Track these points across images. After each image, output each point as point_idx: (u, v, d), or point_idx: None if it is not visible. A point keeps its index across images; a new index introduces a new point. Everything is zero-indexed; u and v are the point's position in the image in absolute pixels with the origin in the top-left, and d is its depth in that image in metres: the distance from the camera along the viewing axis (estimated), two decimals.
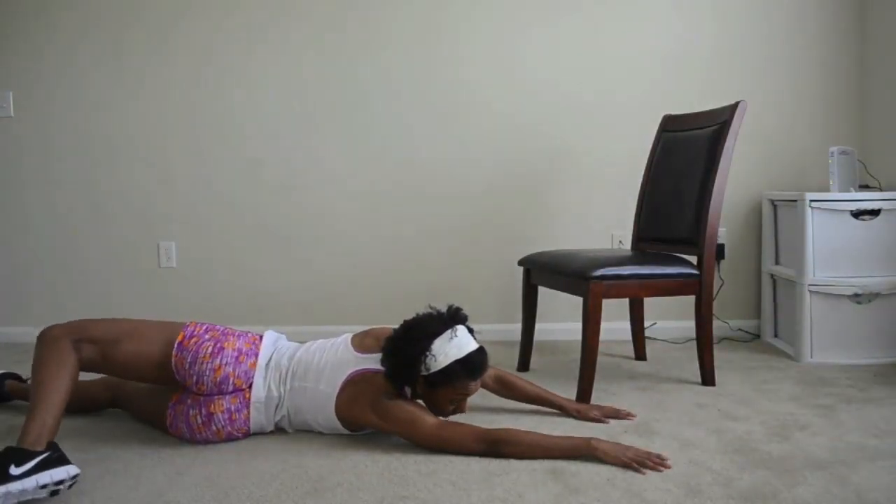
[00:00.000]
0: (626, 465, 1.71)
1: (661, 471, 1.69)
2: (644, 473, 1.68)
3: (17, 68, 3.28)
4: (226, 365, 1.84)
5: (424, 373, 1.81)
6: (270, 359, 1.95)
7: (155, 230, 3.31)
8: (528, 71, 3.23)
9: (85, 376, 2.17)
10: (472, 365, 1.82)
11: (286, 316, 3.29)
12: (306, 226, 3.29)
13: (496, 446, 1.76)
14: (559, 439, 1.79)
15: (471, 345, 1.84)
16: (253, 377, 1.88)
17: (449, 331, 1.82)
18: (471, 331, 1.89)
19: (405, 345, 1.82)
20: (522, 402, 2.15)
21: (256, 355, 1.91)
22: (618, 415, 2.10)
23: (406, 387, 1.87)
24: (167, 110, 3.28)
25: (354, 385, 1.87)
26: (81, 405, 2.14)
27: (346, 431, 1.94)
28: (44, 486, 1.53)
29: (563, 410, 2.12)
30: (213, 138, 3.28)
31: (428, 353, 1.80)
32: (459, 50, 3.23)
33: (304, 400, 1.91)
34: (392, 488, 1.62)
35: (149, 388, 2.03)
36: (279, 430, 1.99)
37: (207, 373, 1.82)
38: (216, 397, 1.85)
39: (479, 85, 3.23)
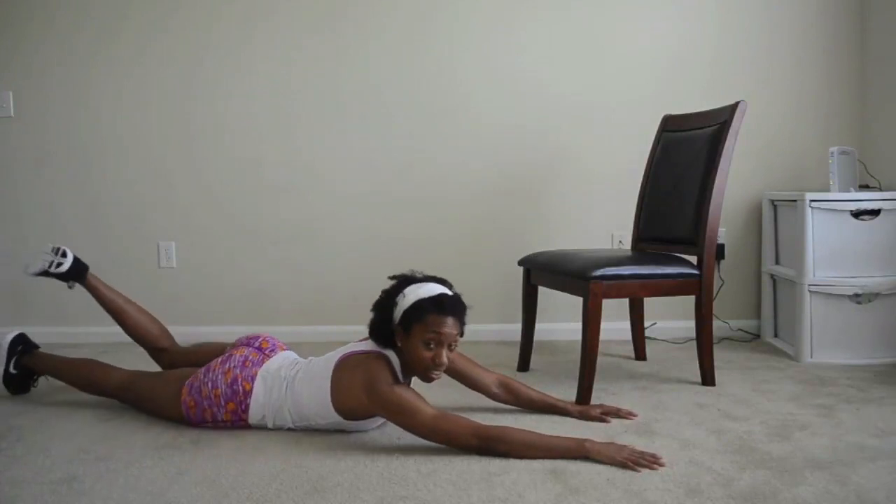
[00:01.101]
0: (620, 465, 1.71)
1: (655, 469, 1.70)
2: (639, 471, 1.68)
3: (17, 68, 3.28)
4: (261, 333, 2.22)
5: (398, 318, 1.87)
6: (289, 357, 2.12)
7: (154, 230, 3.31)
8: (528, 71, 3.23)
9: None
10: (440, 299, 1.85)
11: (286, 316, 3.28)
12: (306, 227, 3.29)
13: (490, 443, 1.77)
14: (553, 440, 1.80)
15: (444, 291, 1.90)
16: (277, 352, 2.10)
17: (420, 281, 1.92)
18: (452, 291, 1.95)
19: (382, 298, 1.94)
20: (527, 408, 2.15)
21: (286, 349, 2.17)
22: (619, 413, 2.10)
23: (389, 348, 1.92)
24: (167, 110, 3.28)
25: (349, 366, 1.90)
26: (85, 380, 2.25)
27: (340, 419, 1.93)
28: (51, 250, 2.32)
29: (566, 414, 2.12)
30: (214, 138, 3.28)
31: (400, 295, 1.88)
32: (457, 51, 3.23)
33: (304, 387, 1.94)
34: (392, 488, 1.62)
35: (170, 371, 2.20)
36: (277, 428, 1.99)
37: (246, 336, 2.18)
38: (242, 346, 2.10)
39: (478, 86, 3.23)
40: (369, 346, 1.95)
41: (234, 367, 1.99)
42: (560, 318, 3.16)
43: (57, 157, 3.31)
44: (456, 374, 2.10)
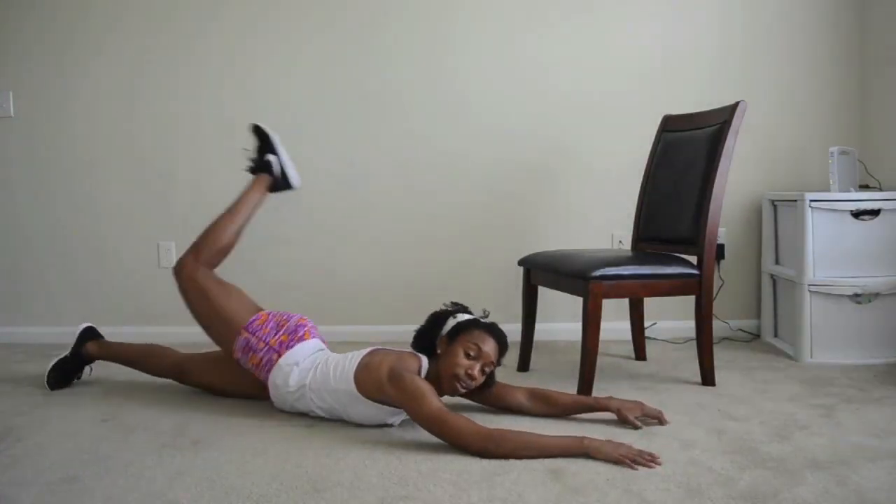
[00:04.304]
0: (618, 462, 1.72)
1: (652, 467, 1.70)
2: (637, 469, 1.69)
3: (17, 68, 3.28)
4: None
5: (447, 329, 2.04)
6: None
7: (154, 230, 3.31)
8: (528, 71, 3.23)
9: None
10: (492, 325, 2.03)
11: None
12: (306, 227, 3.29)
13: (489, 445, 1.77)
14: (552, 439, 1.81)
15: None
16: (318, 335, 2.25)
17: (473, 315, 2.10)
18: None
19: (439, 311, 2.12)
20: (563, 415, 2.11)
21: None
22: (659, 418, 2.04)
23: (426, 356, 2.05)
24: (167, 110, 3.28)
25: (383, 352, 2.06)
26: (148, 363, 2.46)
27: (355, 390, 1.98)
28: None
29: (606, 409, 2.07)
30: (213, 137, 3.28)
31: (459, 314, 2.08)
32: (457, 51, 3.23)
33: (337, 357, 2.08)
34: (392, 488, 1.62)
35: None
36: (295, 388, 2.07)
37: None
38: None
39: (478, 86, 3.23)
40: (408, 349, 2.10)
41: (289, 318, 2.21)
42: (560, 318, 3.16)
43: (57, 156, 3.30)
44: (493, 399, 2.15)
